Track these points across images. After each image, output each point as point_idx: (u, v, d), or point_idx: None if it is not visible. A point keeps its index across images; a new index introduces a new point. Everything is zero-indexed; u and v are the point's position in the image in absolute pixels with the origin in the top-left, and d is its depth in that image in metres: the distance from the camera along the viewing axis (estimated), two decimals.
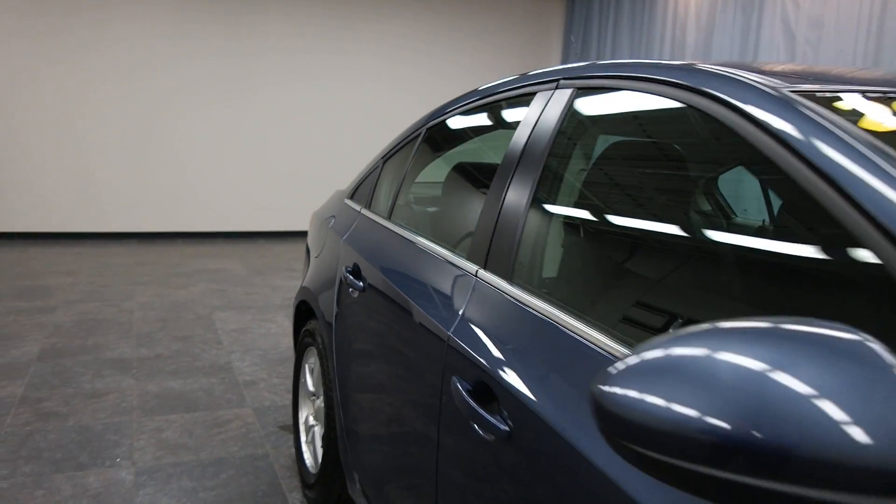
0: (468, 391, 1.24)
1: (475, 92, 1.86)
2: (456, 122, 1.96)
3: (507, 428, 1.12)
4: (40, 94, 7.07)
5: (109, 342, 4.15)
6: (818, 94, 0.97)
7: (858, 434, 0.55)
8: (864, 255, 0.76)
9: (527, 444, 1.08)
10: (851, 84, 1.07)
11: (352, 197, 2.50)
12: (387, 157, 2.32)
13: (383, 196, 2.21)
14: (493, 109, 1.74)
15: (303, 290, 2.54)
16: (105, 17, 7.13)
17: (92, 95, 7.23)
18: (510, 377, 1.15)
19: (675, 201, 1.20)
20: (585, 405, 0.99)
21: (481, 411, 1.18)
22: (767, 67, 1.16)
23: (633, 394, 0.64)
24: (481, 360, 1.24)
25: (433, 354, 1.42)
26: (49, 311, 4.74)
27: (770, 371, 0.59)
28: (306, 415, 2.58)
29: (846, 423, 0.55)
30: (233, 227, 7.96)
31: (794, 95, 0.95)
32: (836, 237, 0.80)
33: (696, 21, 7.75)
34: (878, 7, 5.73)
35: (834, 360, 0.58)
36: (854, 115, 0.92)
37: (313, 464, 2.44)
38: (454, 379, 1.29)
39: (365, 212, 2.27)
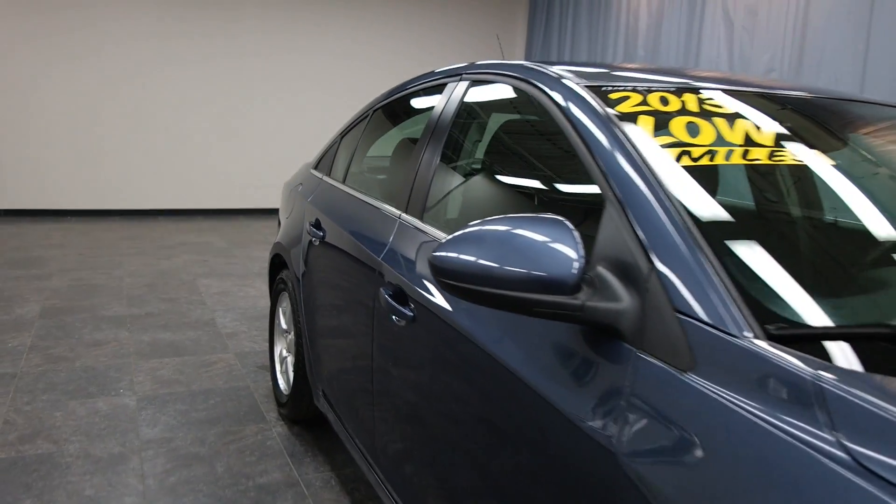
0: (389, 295, 1.77)
1: (407, 82, 2.37)
2: (393, 106, 2.48)
3: (412, 314, 1.65)
4: (37, 80, 7.43)
5: (103, 303, 4.62)
6: (602, 88, 1.49)
7: (554, 262, 1.07)
8: (594, 189, 1.29)
9: (424, 324, 1.61)
10: (640, 82, 1.59)
11: (316, 167, 3.01)
12: (343, 133, 2.84)
13: (340, 165, 2.72)
14: (419, 95, 2.26)
15: (276, 245, 3.06)
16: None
17: (83, 80, 7.61)
18: (416, 282, 1.68)
19: (520, 155, 1.73)
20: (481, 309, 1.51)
21: (397, 305, 1.71)
22: (587, 69, 1.69)
23: (451, 254, 1.17)
24: (399, 275, 1.77)
25: (369, 276, 1.94)
26: (45, 278, 5.19)
27: (518, 232, 1.11)
28: (280, 349, 3.11)
29: (551, 256, 1.07)
30: (214, 205, 8.40)
31: (583, 89, 1.48)
32: (583, 175, 1.33)
33: (648, 9, 8.29)
34: None
35: (550, 226, 1.10)
36: (617, 103, 1.44)
37: (286, 387, 2.97)
38: (381, 289, 1.82)
39: (325, 178, 2.78)
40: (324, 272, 2.40)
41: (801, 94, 1.68)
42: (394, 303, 1.73)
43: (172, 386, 3.29)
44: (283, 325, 3.05)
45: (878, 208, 1.31)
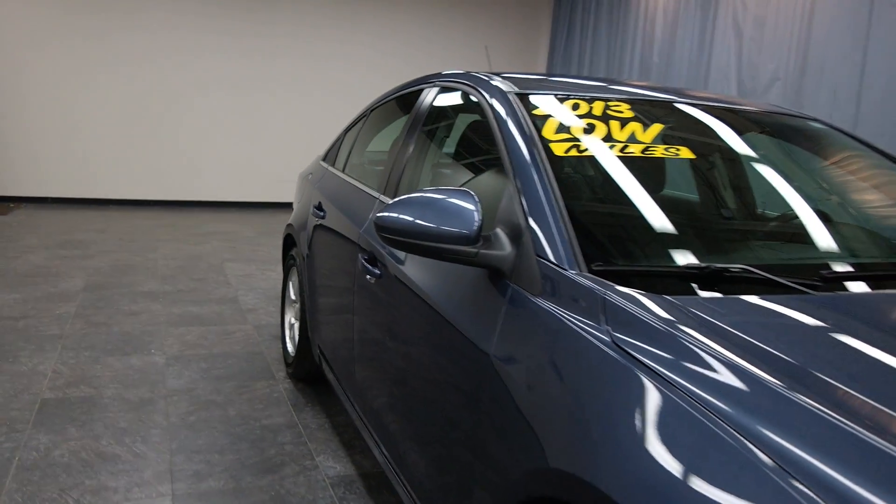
0: (365, 259, 2.19)
1: (398, 87, 2.80)
2: (386, 106, 2.91)
3: (379, 272, 2.07)
4: (83, 79, 8.05)
5: (139, 280, 5.14)
6: (528, 96, 1.89)
7: (460, 222, 1.48)
8: (508, 170, 1.69)
9: (386, 279, 2.02)
10: (565, 91, 1.99)
11: (324, 158, 3.46)
12: (347, 130, 3.27)
13: (342, 156, 3.16)
14: (404, 99, 2.68)
15: (288, 226, 3.51)
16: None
17: (127, 80, 8.21)
18: (382, 248, 2.10)
19: (469, 146, 2.14)
20: (415, 260, 1.92)
21: (370, 267, 2.13)
22: (528, 80, 2.09)
23: (392, 214, 1.58)
24: (372, 243, 2.19)
25: (353, 246, 2.37)
26: (87, 258, 5.74)
27: (438, 199, 1.52)
28: (289, 317, 3.55)
29: (459, 217, 1.48)
30: (244, 198, 8.94)
31: (512, 91, 1.88)
32: (500, 161, 1.73)
33: (664, 17, 8.61)
34: (808, 9, 6.60)
35: (461, 196, 1.51)
36: (536, 107, 1.84)
37: (292, 349, 3.41)
38: (360, 255, 2.25)
39: (330, 168, 3.22)
40: (323, 246, 2.83)
41: (696, 101, 2.06)
42: (367, 265, 2.15)
43: (196, 349, 3.76)
44: (292, 297, 3.50)
45: (699, 192, 1.70)
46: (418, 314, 1.78)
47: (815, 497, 0.79)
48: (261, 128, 8.84)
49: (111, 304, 4.50)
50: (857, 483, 0.80)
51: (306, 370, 3.27)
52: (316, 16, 8.82)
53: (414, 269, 1.85)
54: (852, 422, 0.89)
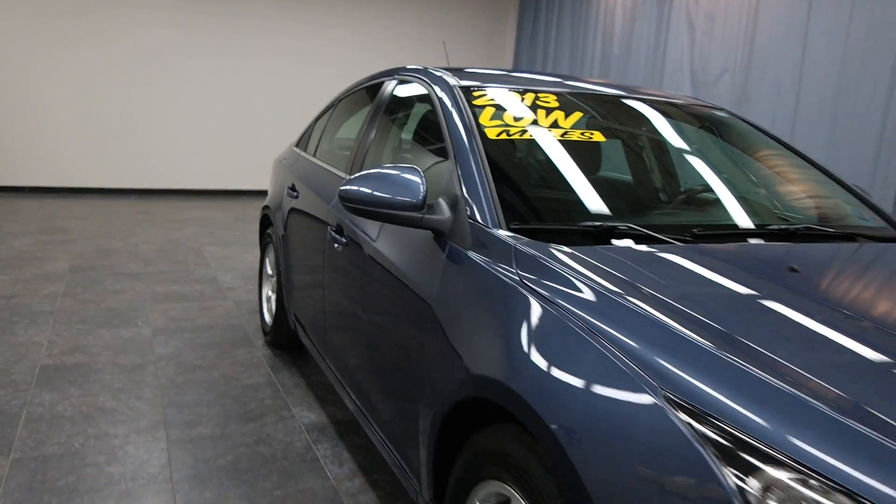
0: (333, 230, 2.53)
1: (361, 80, 3.13)
2: (351, 98, 3.24)
3: (345, 240, 2.42)
4: (56, 67, 8.21)
5: (122, 262, 5.41)
6: (470, 88, 2.24)
7: (409, 192, 1.82)
8: (450, 150, 2.03)
9: (351, 246, 2.37)
10: (502, 84, 2.34)
11: (297, 145, 3.78)
12: (317, 118, 3.60)
13: (313, 142, 3.49)
14: (368, 90, 3.02)
15: (264, 207, 3.82)
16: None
17: (100, 68, 8.39)
18: (344, 218, 2.44)
19: (422, 130, 2.49)
20: (375, 229, 2.26)
21: (337, 236, 2.47)
22: (473, 73, 2.44)
23: (353, 186, 1.92)
24: (339, 216, 2.53)
25: (323, 220, 2.70)
26: (70, 243, 5.98)
27: (390, 174, 1.86)
28: (266, 290, 3.88)
29: (408, 188, 1.83)
30: (222, 186, 9.19)
31: (456, 84, 2.23)
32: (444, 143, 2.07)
33: (622, 12, 9.00)
34: (754, 6, 7.04)
35: (410, 172, 1.85)
36: (475, 98, 2.19)
37: (270, 319, 3.74)
38: (328, 228, 2.58)
39: (302, 153, 3.54)
40: (296, 223, 3.16)
41: (615, 93, 2.43)
42: (335, 235, 2.49)
43: (180, 322, 4.07)
44: (269, 271, 3.82)
45: (606, 169, 2.07)
46: (376, 274, 2.12)
47: (651, 381, 1.15)
48: (238, 117, 9.09)
49: (97, 283, 4.78)
50: (680, 369, 1.16)
51: (283, 338, 3.60)
52: (293, 9, 9.07)
53: (372, 236, 2.20)
54: (680, 325, 1.26)
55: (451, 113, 2.12)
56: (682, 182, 2.25)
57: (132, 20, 8.45)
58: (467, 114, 2.08)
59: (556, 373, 1.29)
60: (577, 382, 1.25)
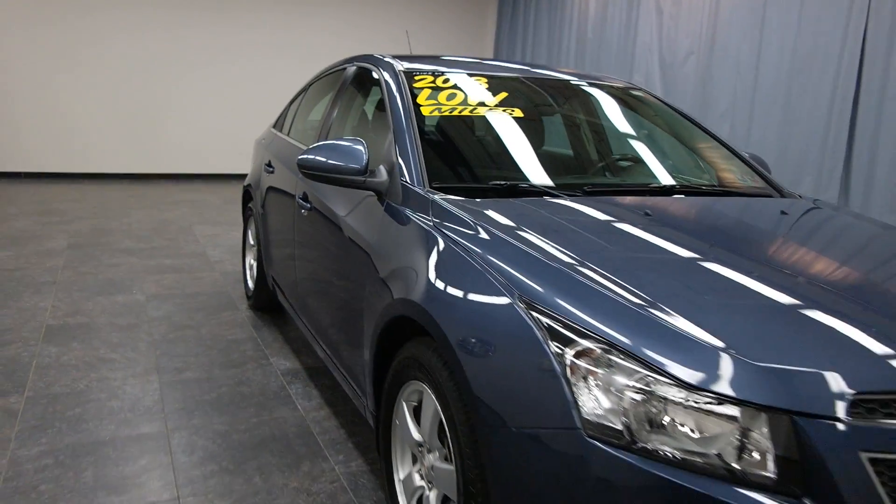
0: (300, 197, 2.92)
1: (328, 67, 3.51)
2: (320, 83, 3.62)
3: (310, 205, 2.81)
4: (54, 59, 8.54)
5: (116, 240, 5.79)
6: (412, 73, 2.62)
7: (354, 160, 2.21)
8: (390, 125, 2.42)
9: (314, 210, 2.76)
10: (441, 69, 2.72)
11: (274, 126, 4.16)
12: (291, 101, 3.98)
13: (287, 123, 3.87)
14: (332, 76, 3.40)
15: (246, 184, 4.21)
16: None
17: (95, 59, 8.71)
18: (308, 187, 2.83)
19: (373, 110, 2.87)
20: (331, 194, 2.64)
21: (304, 202, 2.86)
22: (418, 59, 2.82)
23: (309, 155, 2.31)
24: (305, 185, 2.91)
25: (294, 189, 3.09)
26: (67, 223, 6.35)
27: (340, 144, 2.25)
28: (249, 259, 4.27)
29: (354, 157, 2.22)
30: (211, 170, 9.55)
31: (401, 70, 2.61)
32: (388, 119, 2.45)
33: (595, 0, 9.35)
34: None
35: (355, 143, 2.24)
36: (415, 81, 2.57)
37: (252, 284, 4.14)
38: (297, 196, 2.97)
39: (278, 133, 3.93)
40: (272, 195, 3.55)
41: (540, 75, 2.82)
42: (302, 202, 2.89)
43: (172, 289, 4.46)
44: (251, 241, 4.21)
45: (523, 135, 2.47)
46: (332, 232, 2.52)
47: (511, 289, 1.55)
48: (226, 103, 9.43)
49: (94, 258, 5.16)
50: (531, 281, 1.56)
51: (264, 301, 4.00)
52: (280, 3, 9.39)
53: (329, 200, 2.60)
54: (539, 252, 1.66)
55: (393, 94, 2.51)
56: (588, 149, 2.65)
57: (127, 11, 8.76)
58: (406, 94, 2.47)
59: (452, 292, 1.69)
60: (464, 298, 1.65)
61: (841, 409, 1.25)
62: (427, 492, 1.84)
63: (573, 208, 2.00)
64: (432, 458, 1.79)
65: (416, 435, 1.87)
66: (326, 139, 2.99)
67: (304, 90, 3.85)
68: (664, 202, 2.15)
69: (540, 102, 2.77)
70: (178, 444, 2.52)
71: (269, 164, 3.68)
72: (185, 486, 2.26)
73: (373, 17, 10.02)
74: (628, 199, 2.15)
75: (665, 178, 2.56)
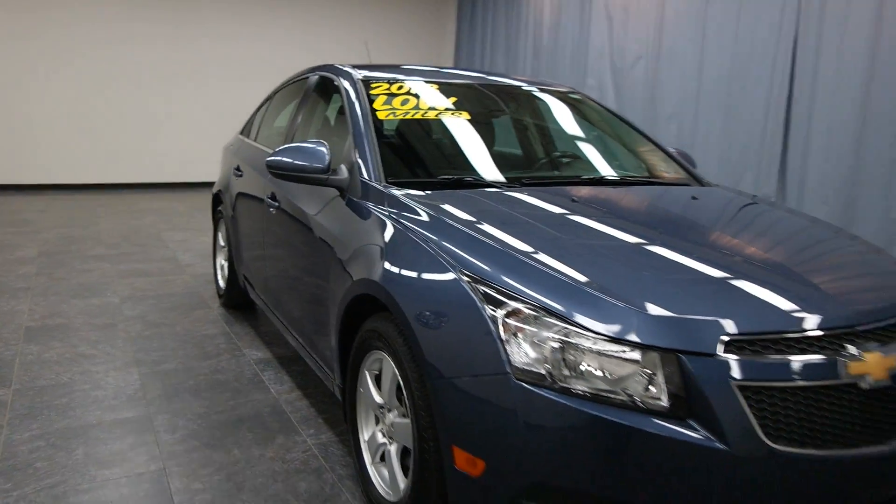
0: (269, 197, 3.16)
1: (292, 76, 3.75)
2: (285, 91, 3.86)
3: (277, 204, 3.05)
4: (10, 65, 8.59)
5: (87, 247, 5.93)
6: (369, 80, 2.88)
7: (318, 160, 2.47)
8: (350, 129, 2.68)
9: (282, 209, 3.00)
10: (396, 76, 2.98)
11: (241, 132, 4.38)
12: (258, 109, 4.21)
13: (254, 130, 4.10)
14: (297, 84, 3.65)
15: (215, 188, 4.42)
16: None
17: (61, 69, 8.79)
18: (276, 187, 3.07)
19: (333, 115, 3.13)
20: (297, 192, 2.89)
21: (272, 202, 3.10)
22: (378, 66, 3.08)
23: (277, 157, 2.55)
24: (273, 185, 3.15)
25: (262, 191, 3.32)
26: (36, 233, 6.46)
27: (305, 147, 2.50)
28: (219, 260, 4.48)
29: (317, 157, 2.47)
30: (178, 179, 9.67)
31: (358, 78, 2.87)
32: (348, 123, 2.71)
33: (550, 6, 9.74)
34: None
35: (318, 145, 2.50)
36: (372, 88, 2.83)
37: (223, 283, 4.35)
38: (266, 196, 3.21)
39: (245, 139, 4.15)
40: (241, 197, 3.78)
41: (487, 82, 3.11)
42: (270, 201, 3.13)
43: (145, 291, 4.65)
44: (221, 243, 4.42)
45: (469, 135, 2.76)
46: (298, 228, 2.77)
47: (455, 266, 1.83)
48: (190, 113, 9.57)
49: (66, 264, 5.31)
50: (471, 257, 1.83)
51: (235, 299, 4.22)
52: (241, 7, 9.56)
53: (295, 198, 2.85)
54: (478, 233, 1.93)
55: (352, 100, 2.77)
56: (530, 147, 2.95)
57: (93, 24, 8.86)
58: (364, 101, 2.73)
59: (405, 271, 1.96)
60: (416, 275, 1.92)
61: (716, 348, 1.55)
62: (389, 446, 2.10)
63: (510, 197, 2.29)
64: (392, 417, 2.05)
65: (377, 398, 2.13)
66: (292, 143, 3.24)
67: (270, 98, 4.09)
68: (590, 191, 2.45)
69: (486, 106, 3.06)
70: (161, 425, 2.73)
71: (237, 169, 3.91)
72: (169, 459, 2.48)
73: (335, 28, 10.27)
74: (560, 189, 2.44)
75: (596, 172, 2.86)
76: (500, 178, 2.54)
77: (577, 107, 3.26)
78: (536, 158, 3.00)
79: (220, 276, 4.49)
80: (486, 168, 2.64)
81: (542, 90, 3.26)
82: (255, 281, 3.61)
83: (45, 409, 2.84)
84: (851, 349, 1.61)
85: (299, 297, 2.83)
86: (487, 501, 1.66)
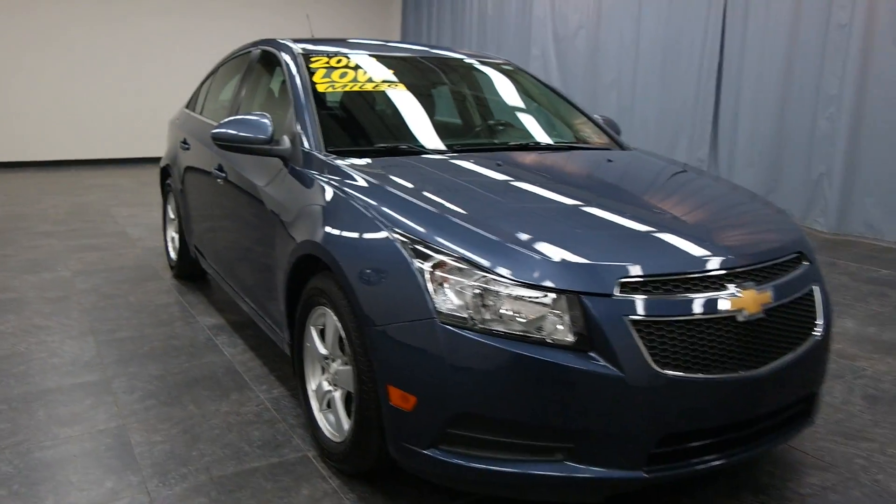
0: (216, 168, 3.28)
1: (235, 50, 3.85)
2: (228, 65, 3.95)
3: (224, 174, 3.18)
4: None
5: (34, 224, 5.92)
6: (309, 54, 3.02)
7: (260, 131, 2.61)
8: (291, 101, 2.82)
9: (230, 181, 3.13)
10: (336, 49, 3.12)
11: (187, 106, 4.45)
12: (202, 84, 4.28)
13: (199, 103, 4.18)
14: (240, 58, 3.74)
15: (163, 162, 4.50)
16: None
17: (5, 50, 8.56)
18: (223, 158, 3.19)
19: (276, 87, 3.26)
20: (243, 163, 3.02)
21: (219, 172, 3.23)
22: (318, 40, 3.21)
23: (222, 129, 2.68)
24: (219, 157, 3.28)
25: (210, 163, 3.44)
26: None
27: (248, 119, 2.64)
28: (170, 232, 4.58)
29: (260, 129, 2.62)
30: (123, 154, 9.57)
31: (299, 52, 3.01)
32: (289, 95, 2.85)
33: None
34: None
35: (261, 117, 2.64)
36: (312, 61, 2.97)
37: (174, 255, 4.45)
38: (213, 168, 3.33)
39: (191, 113, 4.23)
40: (189, 170, 3.88)
41: (422, 54, 3.27)
42: (218, 172, 3.25)
43: (96, 265, 4.72)
44: (171, 216, 4.52)
45: (405, 105, 2.93)
46: (245, 197, 2.91)
47: (388, 225, 2.01)
48: (136, 87, 9.44)
49: (13, 242, 5.32)
50: (401, 216, 2.02)
51: (186, 269, 4.33)
52: None
53: (241, 168, 2.98)
54: (408, 194, 2.12)
55: (293, 73, 2.91)
56: (463, 115, 3.14)
57: (36, 2, 8.63)
58: (304, 74, 2.87)
59: (344, 232, 2.14)
60: (353, 235, 2.10)
61: (613, 289, 1.78)
62: (334, 393, 2.29)
63: (440, 161, 2.48)
64: (336, 366, 2.25)
65: (322, 350, 2.32)
66: (237, 115, 3.36)
67: (214, 73, 4.17)
68: (515, 155, 2.66)
69: (422, 78, 3.22)
70: (119, 387, 2.88)
71: (184, 142, 4.00)
72: (128, 416, 2.63)
73: (279, 1, 10.19)
74: (488, 155, 2.64)
75: (527, 138, 3.07)
76: (433, 145, 2.73)
77: (512, 78, 3.45)
78: (469, 127, 3.19)
79: (171, 248, 4.58)
80: (421, 136, 2.82)
81: (480, 62, 3.44)
82: (206, 251, 3.73)
83: (4, 377, 2.95)
84: (731, 287, 1.87)
85: (249, 263, 2.98)
86: (419, 432, 1.88)
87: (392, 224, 2.02)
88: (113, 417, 2.62)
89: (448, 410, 1.83)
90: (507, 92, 3.39)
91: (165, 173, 4.53)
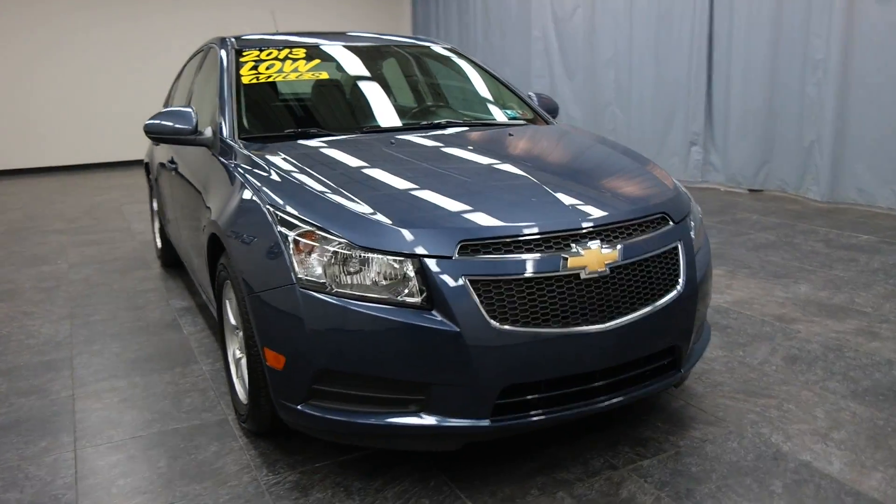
0: (169, 161, 3.52)
1: (200, 47, 4.09)
2: (190, 63, 4.19)
3: (175, 166, 3.41)
4: None
5: (48, 223, 6.32)
6: (241, 49, 3.22)
7: (186, 121, 2.83)
8: (217, 94, 3.02)
9: (179, 172, 3.36)
10: (268, 45, 3.31)
11: (164, 104, 4.72)
12: (174, 82, 4.54)
13: (171, 101, 4.44)
14: (199, 56, 3.97)
15: (145, 158, 4.79)
16: None
17: (14, 55, 9.06)
18: (174, 151, 3.42)
19: (218, 81, 3.47)
20: (188, 154, 3.25)
21: (171, 165, 3.46)
22: (259, 36, 3.41)
23: (154, 121, 2.90)
24: (172, 151, 3.51)
25: (166, 158, 3.68)
26: (1, 213, 6.85)
27: (176, 110, 2.86)
28: (157, 224, 4.87)
29: (185, 119, 2.83)
30: (142, 156, 10.02)
31: (231, 47, 3.21)
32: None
33: None
34: None
35: (184, 109, 2.85)
36: (243, 56, 3.17)
37: (161, 246, 4.74)
38: (167, 161, 3.57)
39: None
40: (160, 165, 4.14)
41: (354, 43, 3.44)
42: (170, 164, 3.49)
43: (93, 258, 5.05)
44: (155, 208, 4.81)
45: (323, 93, 3.09)
46: (183, 183, 3.14)
47: (266, 203, 2.20)
48: (152, 88, 9.87)
49: (25, 239, 5.71)
50: (275, 195, 2.20)
51: (169, 258, 4.61)
52: None
53: (183, 159, 3.21)
54: (294, 174, 2.30)
55: (223, 68, 3.11)
56: (386, 99, 3.31)
57: (43, 4, 9.10)
58: (231, 67, 3.07)
59: (234, 211, 2.33)
60: (240, 214, 2.29)
61: (454, 252, 1.92)
62: (242, 359, 2.50)
63: (340, 141, 2.65)
64: (241, 334, 2.45)
65: (233, 321, 2.53)
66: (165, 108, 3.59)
67: (181, 71, 4.42)
68: (412, 135, 2.81)
69: (348, 65, 3.39)
70: (79, 363, 3.15)
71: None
72: (80, 387, 2.90)
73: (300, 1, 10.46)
74: (387, 135, 2.79)
75: (436, 118, 3.21)
76: (342, 128, 2.90)
77: (442, 61, 3.58)
78: (384, 109, 3.33)
79: (157, 239, 4.88)
80: (331, 120, 2.99)
81: (414, 47, 3.58)
82: (172, 238, 3.99)
83: None
84: (574, 247, 1.99)
85: (193, 247, 3.21)
86: (291, 389, 2.06)
87: (268, 200, 2.20)
88: (65, 388, 2.89)
89: (311, 368, 2.00)
90: (434, 75, 3.52)
91: (148, 169, 4.82)
